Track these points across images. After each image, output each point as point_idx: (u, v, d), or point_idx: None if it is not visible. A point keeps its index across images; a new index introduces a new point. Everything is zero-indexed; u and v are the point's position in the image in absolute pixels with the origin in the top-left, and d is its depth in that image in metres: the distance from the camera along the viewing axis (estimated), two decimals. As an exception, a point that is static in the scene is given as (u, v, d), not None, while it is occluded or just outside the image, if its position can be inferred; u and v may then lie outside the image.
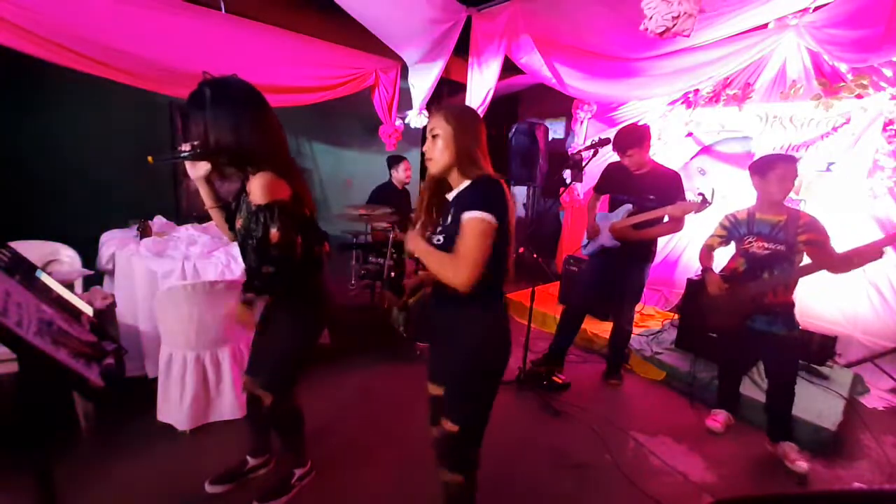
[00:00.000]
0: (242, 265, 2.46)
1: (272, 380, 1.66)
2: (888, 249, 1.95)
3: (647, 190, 2.65)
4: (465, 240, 1.18)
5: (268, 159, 1.41)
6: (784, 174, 2.13)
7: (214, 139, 1.36)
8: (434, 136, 1.29)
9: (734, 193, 3.56)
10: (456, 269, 1.18)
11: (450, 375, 1.37)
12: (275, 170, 1.41)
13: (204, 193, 1.52)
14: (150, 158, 1.38)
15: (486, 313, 1.32)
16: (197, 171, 1.44)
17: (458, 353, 1.32)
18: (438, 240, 1.30)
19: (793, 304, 2.21)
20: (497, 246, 1.22)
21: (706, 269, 2.41)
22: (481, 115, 1.58)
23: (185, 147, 1.39)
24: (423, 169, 1.45)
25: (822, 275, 2.12)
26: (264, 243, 1.39)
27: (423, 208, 1.39)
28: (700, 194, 2.52)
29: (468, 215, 1.19)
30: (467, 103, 3.61)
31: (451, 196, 1.33)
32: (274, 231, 1.38)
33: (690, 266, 4.02)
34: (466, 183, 1.29)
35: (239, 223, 1.51)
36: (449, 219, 1.28)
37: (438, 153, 1.29)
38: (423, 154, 1.35)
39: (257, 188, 1.37)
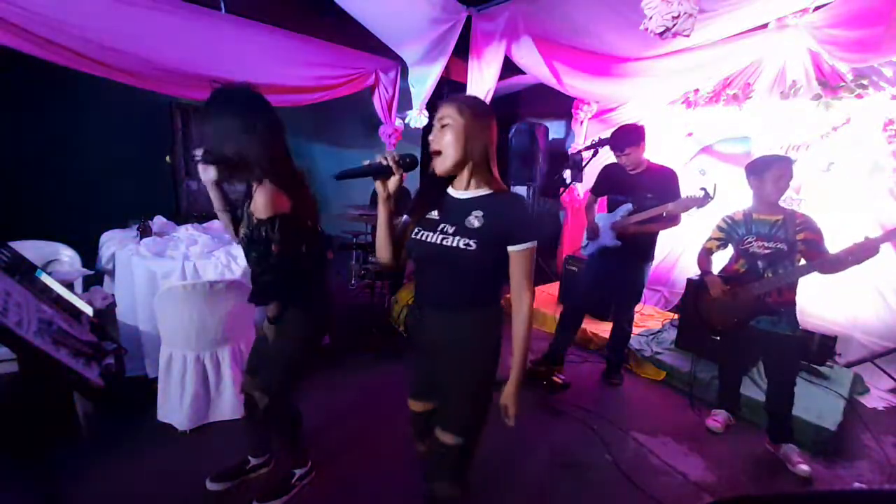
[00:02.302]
0: (243, 266, 2.48)
1: (270, 381, 1.65)
2: (883, 247, 1.95)
3: (645, 189, 2.65)
4: (526, 271, 1.20)
5: (268, 171, 1.41)
6: (780, 175, 2.13)
7: (216, 148, 1.38)
8: (444, 126, 1.18)
9: (734, 194, 3.57)
10: (524, 301, 1.22)
11: (452, 386, 1.29)
12: (276, 181, 1.41)
13: (213, 196, 1.52)
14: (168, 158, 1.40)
15: (490, 322, 1.28)
16: (207, 174, 1.44)
17: (464, 363, 1.26)
18: (467, 243, 1.17)
19: (795, 304, 2.21)
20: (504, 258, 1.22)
21: (705, 272, 2.41)
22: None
23: (198, 152, 1.41)
24: (422, 167, 1.38)
25: (821, 275, 2.12)
26: (266, 255, 1.41)
27: (417, 198, 1.31)
28: (702, 188, 2.51)
29: (522, 248, 1.18)
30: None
31: (457, 194, 1.25)
32: (274, 246, 1.40)
33: (690, 266, 4.02)
34: (484, 191, 1.22)
35: (241, 230, 1.52)
36: (474, 221, 1.19)
37: (447, 146, 1.18)
38: (419, 153, 1.31)
39: (259, 202, 1.38)
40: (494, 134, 1.22)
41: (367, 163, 1.19)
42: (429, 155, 1.23)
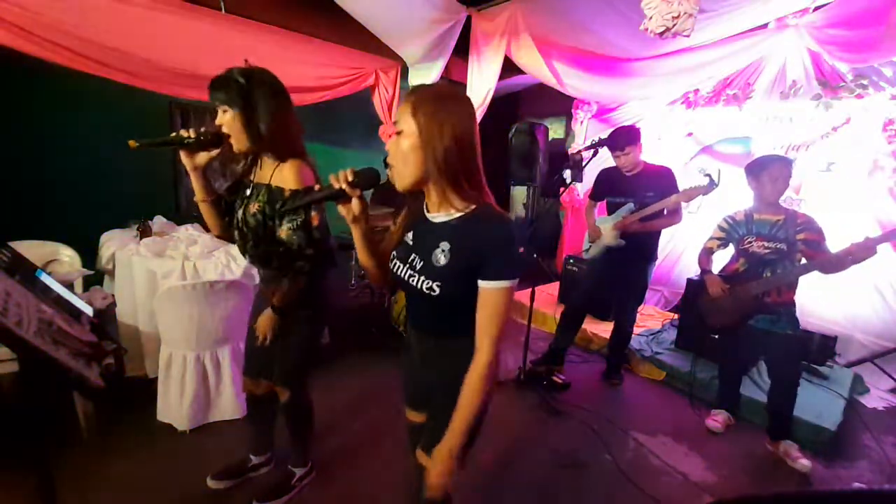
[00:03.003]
0: (243, 265, 2.47)
1: (291, 375, 1.66)
2: (883, 247, 1.95)
3: (645, 188, 2.66)
4: (495, 314, 0.97)
5: (296, 149, 1.45)
6: (777, 175, 2.13)
7: (255, 125, 1.38)
8: (398, 133, 0.96)
9: (734, 193, 3.57)
10: (483, 351, 0.99)
11: (435, 409, 1.15)
12: (304, 159, 1.45)
13: (197, 185, 1.45)
14: (132, 143, 1.25)
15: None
16: (196, 160, 1.39)
17: (449, 387, 1.06)
18: (430, 287, 1.00)
19: (794, 304, 2.21)
20: None
21: (706, 271, 2.42)
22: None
23: (188, 133, 1.34)
24: None
25: (821, 275, 2.12)
26: (307, 226, 1.41)
27: (404, 218, 1.13)
28: (706, 175, 2.50)
29: (497, 285, 0.96)
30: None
31: (433, 218, 1.04)
32: (314, 213, 1.40)
33: (690, 266, 4.02)
34: (460, 212, 1.00)
35: (240, 214, 1.49)
36: (440, 257, 1.00)
37: (402, 159, 0.96)
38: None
39: (292, 172, 1.39)
40: (472, 137, 0.97)
41: (318, 187, 1.09)
42: None
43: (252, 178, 1.51)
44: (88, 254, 2.70)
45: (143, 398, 2.26)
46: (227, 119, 1.38)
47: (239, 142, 1.40)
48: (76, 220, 3.02)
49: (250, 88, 1.36)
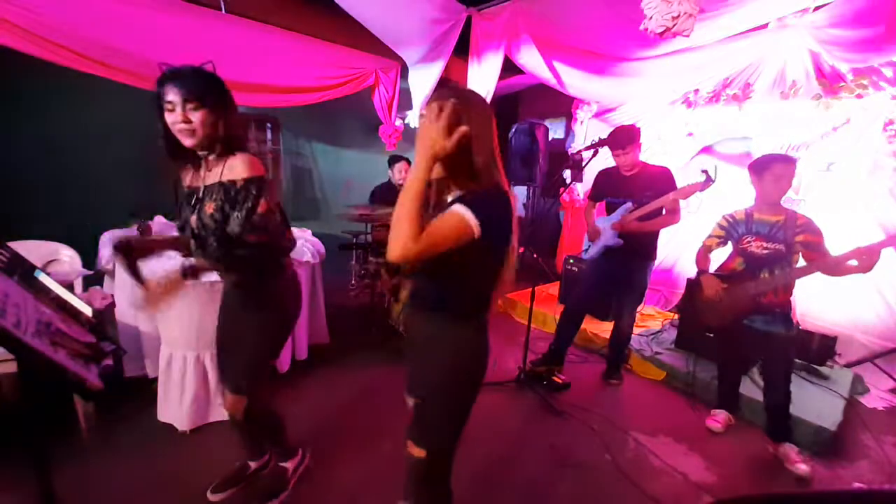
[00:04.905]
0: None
1: (242, 380, 1.59)
2: (885, 252, 1.95)
3: (643, 187, 2.66)
4: (434, 226, 1.00)
5: (242, 145, 1.45)
6: (781, 174, 2.13)
7: (218, 123, 1.38)
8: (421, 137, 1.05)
9: (734, 194, 3.57)
10: (400, 238, 0.97)
11: (423, 392, 1.20)
12: (254, 154, 1.45)
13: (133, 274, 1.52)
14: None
15: (465, 328, 1.17)
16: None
17: (433, 367, 1.16)
18: None
19: (791, 304, 2.21)
20: (487, 265, 1.12)
21: (702, 271, 2.42)
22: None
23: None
24: None
25: (822, 276, 2.12)
26: (251, 214, 1.37)
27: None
28: (703, 171, 2.51)
29: (454, 207, 1.03)
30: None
31: (450, 199, 1.15)
32: (263, 201, 1.38)
33: (690, 266, 4.02)
34: (465, 190, 1.10)
35: (194, 219, 1.45)
36: None
37: (415, 160, 1.03)
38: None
39: (243, 164, 1.39)
40: (488, 131, 1.09)
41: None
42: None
43: (200, 182, 1.47)
44: (88, 254, 2.70)
45: (143, 398, 2.26)
46: (197, 115, 1.35)
47: (196, 137, 1.37)
48: (76, 220, 3.02)
49: (216, 88, 1.39)
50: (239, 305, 1.60)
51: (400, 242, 0.97)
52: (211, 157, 1.43)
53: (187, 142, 1.37)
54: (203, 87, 1.36)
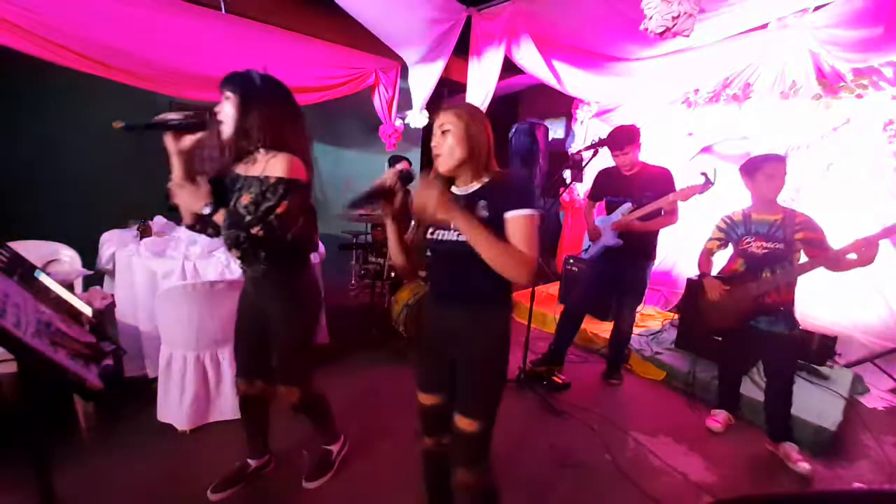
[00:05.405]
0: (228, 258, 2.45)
1: (291, 373, 1.70)
2: (883, 248, 1.95)
3: (643, 187, 2.66)
4: (525, 238, 1.18)
5: (291, 148, 1.48)
6: (772, 173, 2.13)
7: (256, 119, 1.44)
8: (444, 132, 1.26)
9: (734, 194, 3.56)
10: (521, 262, 1.16)
11: (472, 375, 1.34)
12: (302, 158, 1.49)
13: (178, 169, 1.45)
14: (116, 124, 1.29)
15: (504, 316, 1.34)
16: (180, 144, 1.42)
17: (483, 353, 1.32)
18: (458, 236, 1.24)
19: (793, 304, 2.21)
20: None
21: (704, 274, 2.42)
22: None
23: (174, 116, 1.39)
24: (422, 167, 1.36)
25: (823, 275, 2.12)
26: (269, 212, 1.42)
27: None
28: (702, 173, 2.51)
29: (517, 213, 1.19)
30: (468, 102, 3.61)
31: (460, 192, 1.30)
32: (284, 203, 1.42)
33: (690, 266, 4.02)
34: (484, 181, 1.28)
35: (232, 205, 1.48)
36: (482, 211, 1.24)
37: (449, 149, 1.25)
38: (420, 153, 1.31)
39: (282, 163, 1.43)
40: (490, 133, 1.30)
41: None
42: (430, 161, 1.29)
43: (244, 172, 1.52)
44: (88, 254, 2.69)
45: (143, 398, 2.26)
46: (227, 108, 1.44)
47: (229, 130, 1.46)
48: (76, 220, 3.02)
49: (259, 88, 1.46)
50: (267, 298, 1.64)
51: (524, 269, 1.16)
52: (260, 152, 1.48)
53: (223, 131, 1.46)
54: (237, 84, 1.45)
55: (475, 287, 1.29)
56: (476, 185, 1.29)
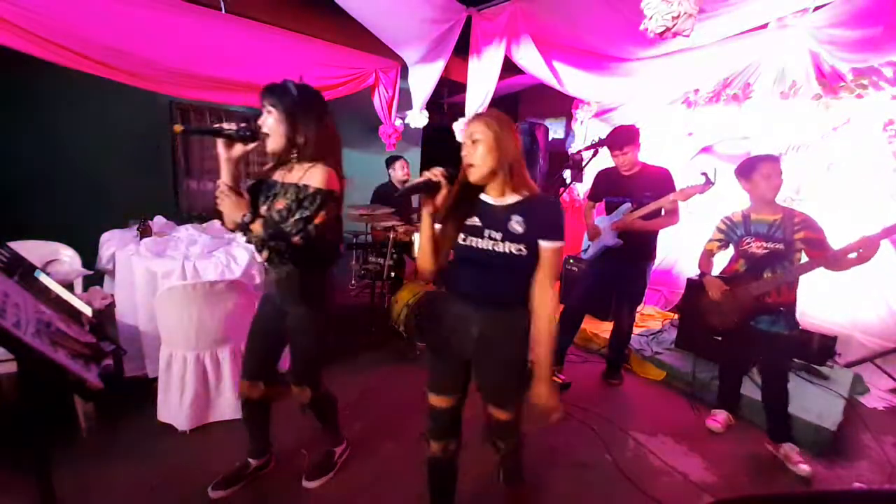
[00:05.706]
0: (243, 265, 2.48)
1: (306, 374, 1.76)
2: (883, 248, 1.95)
3: (642, 188, 2.67)
4: (553, 269, 1.31)
5: (328, 160, 1.56)
6: (769, 173, 2.13)
7: (294, 133, 1.51)
8: (474, 142, 1.29)
9: (733, 194, 3.56)
10: (551, 298, 1.32)
11: (503, 374, 1.43)
12: (337, 170, 1.57)
13: (227, 173, 1.53)
14: (177, 128, 1.42)
15: (527, 309, 1.38)
16: (231, 152, 1.50)
17: (512, 352, 1.40)
18: (518, 249, 1.29)
19: (795, 304, 2.21)
20: None
21: (705, 274, 2.42)
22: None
23: (230, 126, 1.48)
24: (422, 167, 1.39)
25: (823, 275, 2.12)
26: (308, 222, 1.48)
27: (452, 206, 1.35)
28: (702, 174, 2.51)
29: (552, 245, 1.29)
30: (467, 103, 3.61)
31: (494, 202, 1.34)
32: (322, 213, 1.49)
33: (690, 266, 4.02)
34: (521, 196, 1.32)
35: (264, 209, 1.57)
36: (517, 227, 1.30)
37: (480, 159, 1.28)
38: (419, 153, 1.33)
39: (320, 174, 1.50)
40: (519, 142, 1.34)
41: (418, 181, 1.32)
42: (429, 161, 1.31)
43: (281, 178, 1.59)
44: (88, 254, 2.70)
45: (143, 398, 2.26)
46: (271, 121, 1.50)
47: (276, 143, 1.53)
48: (76, 220, 3.02)
49: (300, 101, 1.51)
50: (290, 300, 1.67)
51: (553, 305, 1.33)
52: (298, 163, 1.56)
53: (269, 143, 1.53)
54: (278, 97, 1.50)
55: (501, 290, 1.35)
56: (511, 199, 1.33)
